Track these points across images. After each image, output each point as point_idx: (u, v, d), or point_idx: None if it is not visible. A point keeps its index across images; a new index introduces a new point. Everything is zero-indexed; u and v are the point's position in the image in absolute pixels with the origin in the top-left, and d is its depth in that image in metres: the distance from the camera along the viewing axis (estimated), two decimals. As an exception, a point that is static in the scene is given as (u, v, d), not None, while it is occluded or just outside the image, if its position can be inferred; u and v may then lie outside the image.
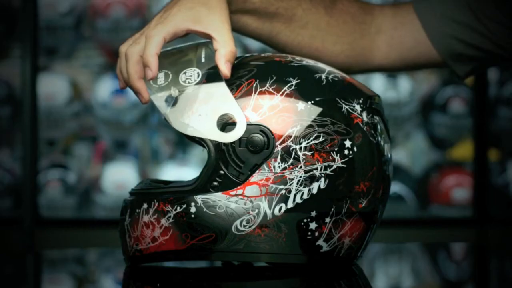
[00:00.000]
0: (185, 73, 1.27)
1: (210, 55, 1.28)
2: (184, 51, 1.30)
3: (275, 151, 1.22)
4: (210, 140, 1.23)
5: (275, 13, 1.41)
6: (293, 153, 1.22)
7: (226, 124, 1.23)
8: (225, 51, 1.25)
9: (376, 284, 1.33)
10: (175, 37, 1.27)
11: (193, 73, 1.26)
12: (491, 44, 1.42)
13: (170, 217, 1.24)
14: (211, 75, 1.26)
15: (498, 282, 1.40)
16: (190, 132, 1.24)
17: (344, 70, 1.39)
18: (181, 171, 3.42)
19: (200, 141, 1.24)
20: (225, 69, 1.25)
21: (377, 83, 3.46)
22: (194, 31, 1.27)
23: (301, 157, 1.22)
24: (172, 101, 1.26)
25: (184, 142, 3.52)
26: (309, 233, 1.23)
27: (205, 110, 1.24)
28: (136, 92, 1.25)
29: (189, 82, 1.26)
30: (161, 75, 1.27)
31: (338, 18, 1.44)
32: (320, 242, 1.24)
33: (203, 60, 1.28)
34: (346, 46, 1.46)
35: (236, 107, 1.23)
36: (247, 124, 1.23)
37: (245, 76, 1.26)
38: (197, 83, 1.26)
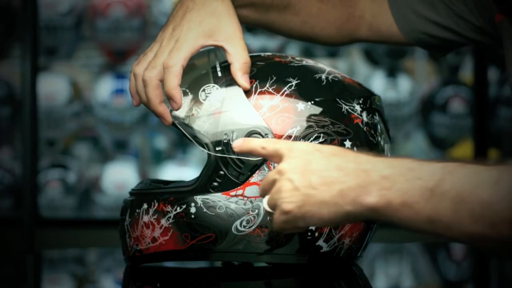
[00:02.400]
0: (204, 90, 1.25)
1: (225, 66, 1.27)
2: (196, 65, 1.28)
3: (275, 151, 1.22)
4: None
5: (271, 4, 1.42)
6: (293, 153, 1.22)
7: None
8: (239, 65, 1.24)
9: (376, 284, 1.33)
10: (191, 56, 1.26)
11: (212, 90, 1.25)
12: (460, 37, 1.44)
13: (170, 217, 1.24)
14: (230, 89, 1.25)
15: (498, 282, 1.40)
16: (221, 153, 1.23)
17: (329, 44, 1.48)
18: (181, 171, 3.41)
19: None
20: (243, 82, 1.24)
21: (377, 83, 3.45)
22: (208, 46, 1.26)
23: (301, 157, 1.22)
24: (195, 121, 1.24)
25: (184, 142, 3.51)
26: (309, 234, 1.23)
27: (231, 128, 1.23)
28: (159, 116, 1.25)
29: (209, 99, 1.25)
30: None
31: (328, 2, 1.46)
32: (320, 242, 1.24)
33: (219, 74, 1.27)
34: (334, 30, 1.48)
35: (260, 121, 1.22)
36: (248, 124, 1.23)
37: (245, 76, 1.26)
38: (217, 99, 1.24)
